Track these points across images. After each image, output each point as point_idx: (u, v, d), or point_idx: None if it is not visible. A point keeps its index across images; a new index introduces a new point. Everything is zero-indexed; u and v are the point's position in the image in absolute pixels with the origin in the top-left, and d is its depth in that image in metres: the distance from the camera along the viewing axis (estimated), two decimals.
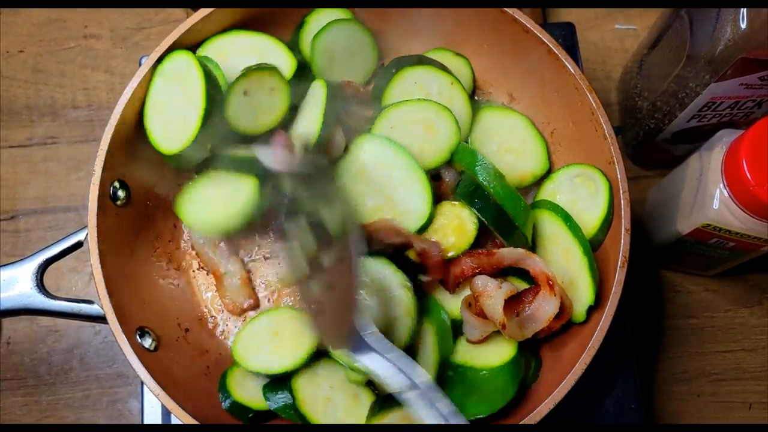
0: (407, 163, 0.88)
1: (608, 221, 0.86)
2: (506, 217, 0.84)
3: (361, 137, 0.89)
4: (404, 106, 0.91)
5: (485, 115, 0.97)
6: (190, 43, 0.89)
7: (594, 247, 0.87)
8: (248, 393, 0.85)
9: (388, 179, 0.88)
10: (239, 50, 0.91)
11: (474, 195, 0.85)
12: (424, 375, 0.71)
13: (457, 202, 0.89)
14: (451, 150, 0.90)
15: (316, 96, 0.89)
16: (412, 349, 0.84)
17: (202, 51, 0.91)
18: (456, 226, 0.88)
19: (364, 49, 0.97)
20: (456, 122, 0.90)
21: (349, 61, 0.97)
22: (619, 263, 0.80)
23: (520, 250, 0.84)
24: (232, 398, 0.84)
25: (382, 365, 0.72)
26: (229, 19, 0.91)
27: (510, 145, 0.96)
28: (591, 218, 0.87)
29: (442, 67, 0.94)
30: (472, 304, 0.83)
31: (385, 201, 0.88)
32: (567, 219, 0.86)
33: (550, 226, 0.88)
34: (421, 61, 0.95)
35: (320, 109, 0.86)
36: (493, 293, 0.81)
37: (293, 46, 0.94)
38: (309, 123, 0.87)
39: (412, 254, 0.85)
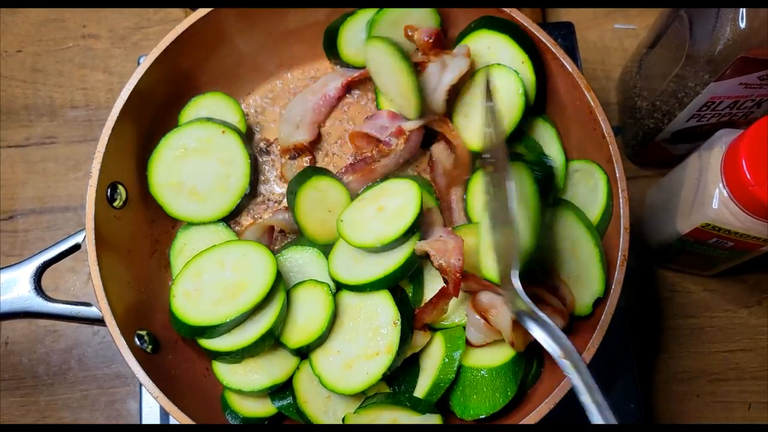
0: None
1: (608, 215, 0.86)
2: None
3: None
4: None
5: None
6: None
7: None
8: (254, 405, 0.85)
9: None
10: None
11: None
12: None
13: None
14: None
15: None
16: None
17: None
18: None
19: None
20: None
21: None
22: (618, 262, 0.80)
23: None
24: (242, 416, 0.84)
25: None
26: None
27: None
28: (591, 213, 0.88)
29: (526, 47, 0.89)
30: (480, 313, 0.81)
31: None
32: (578, 212, 0.87)
33: (558, 222, 0.88)
34: (507, 27, 0.89)
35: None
36: (500, 308, 0.78)
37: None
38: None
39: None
